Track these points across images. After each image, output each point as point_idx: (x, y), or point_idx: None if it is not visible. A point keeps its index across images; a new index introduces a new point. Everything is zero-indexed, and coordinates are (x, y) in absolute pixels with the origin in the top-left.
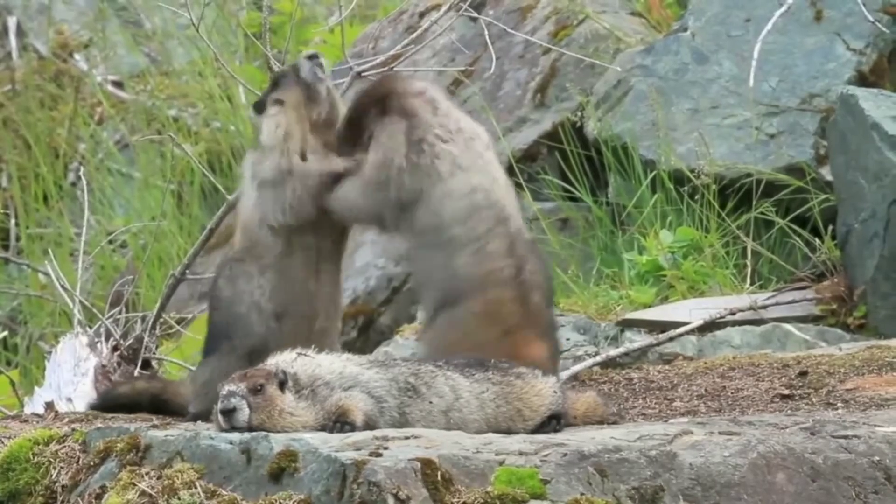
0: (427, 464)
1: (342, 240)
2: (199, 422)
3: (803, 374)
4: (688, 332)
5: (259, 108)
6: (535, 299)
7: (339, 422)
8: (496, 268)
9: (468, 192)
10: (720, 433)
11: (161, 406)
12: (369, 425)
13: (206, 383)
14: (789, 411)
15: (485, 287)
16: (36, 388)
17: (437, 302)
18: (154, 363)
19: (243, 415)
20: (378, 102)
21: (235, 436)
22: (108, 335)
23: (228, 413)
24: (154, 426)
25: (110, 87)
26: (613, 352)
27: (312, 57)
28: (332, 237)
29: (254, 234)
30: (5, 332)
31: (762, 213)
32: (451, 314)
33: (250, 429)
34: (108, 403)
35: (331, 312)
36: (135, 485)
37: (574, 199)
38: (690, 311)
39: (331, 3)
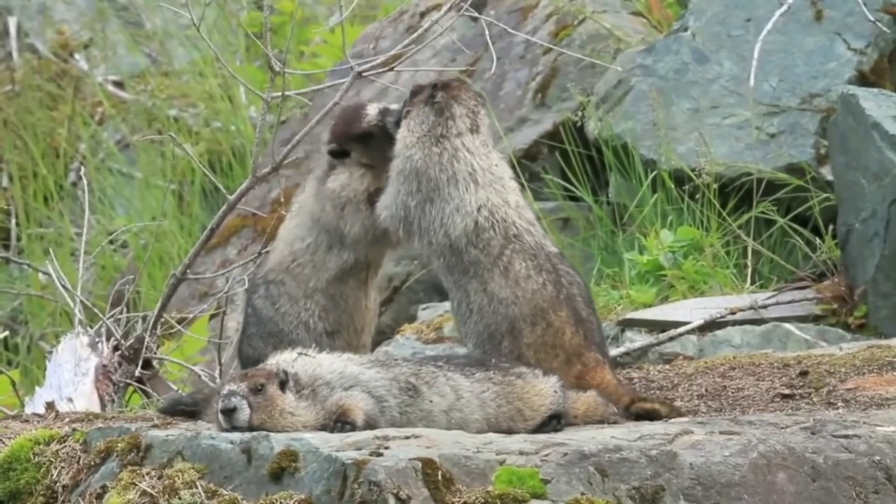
0: (428, 463)
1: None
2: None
3: (804, 373)
4: (688, 332)
5: (339, 154)
6: (584, 313)
7: (339, 421)
8: (535, 287)
9: (475, 209)
10: (721, 433)
11: None
12: (370, 425)
13: None
14: (790, 411)
15: (535, 312)
16: (37, 387)
17: (485, 332)
18: (155, 363)
19: (244, 414)
20: (426, 91)
21: (236, 435)
22: (109, 335)
23: (229, 413)
24: (155, 426)
25: (111, 87)
26: (614, 351)
27: (385, 112)
28: (382, 252)
29: (302, 259)
30: (6, 332)
31: (763, 212)
32: (508, 348)
33: (251, 428)
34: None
35: (373, 326)
36: (135, 485)
37: (575, 199)
38: (691, 310)
39: (331, 2)
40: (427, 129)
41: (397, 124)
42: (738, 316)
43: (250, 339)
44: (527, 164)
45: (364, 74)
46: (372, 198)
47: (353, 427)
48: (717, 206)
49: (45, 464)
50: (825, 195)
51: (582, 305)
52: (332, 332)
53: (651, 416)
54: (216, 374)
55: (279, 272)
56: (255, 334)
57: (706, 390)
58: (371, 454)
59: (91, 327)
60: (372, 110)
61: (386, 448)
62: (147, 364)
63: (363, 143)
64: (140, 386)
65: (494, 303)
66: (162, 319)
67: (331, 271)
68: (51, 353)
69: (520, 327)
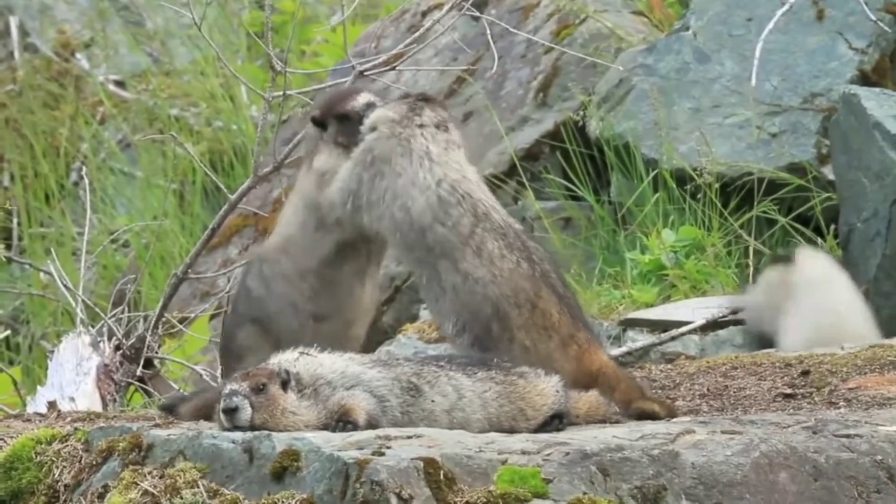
0: (430, 463)
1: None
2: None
3: (805, 373)
4: (690, 332)
5: (319, 124)
6: (561, 289)
7: (341, 421)
8: (511, 266)
9: (433, 183)
10: (722, 432)
11: None
12: (372, 424)
13: None
14: (792, 410)
15: (516, 292)
16: (38, 387)
17: (465, 311)
18: (156, 362)
19: (245, 414)
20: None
21: (238, 435)
22: (111, 334)
23: (230, 412)
24: (157, 425)
25: (112, 87)
26: (616, 351)
27: (371, 105)
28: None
29: (296, 238)
30: (8, 332)
31: (764, 212)
32: (498, 331)
33: (252, 428)
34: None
35: (367, 319)
36: (137, 484)
37: (576, 199)
38: (693, 310)
39: (333, 2)
40: (395, 117)
41: None
42: (740, 315)
43: (237, 312)
44: (528, 164)
45: (366, 73)
46: None
47: (355, 427)
48: (719, 205)
49: (46, 463)
50: (827, 195)
51: (556, 281)
52: (321, 316)
53: (649, 417)
54: (217, 373)
55: (274, 250)
56: (242, 309)
57: (708, 390)
58: (373, 454)
59: (93, 327)
60: (362, 99)
61: (388, 448)
62: (148, 363)
63: (339, 122)
64: (141, 385)
65: (470, 282)
66: (163, 319)
67: (324, 251)
68: (52, 352)
69: (505, 310)
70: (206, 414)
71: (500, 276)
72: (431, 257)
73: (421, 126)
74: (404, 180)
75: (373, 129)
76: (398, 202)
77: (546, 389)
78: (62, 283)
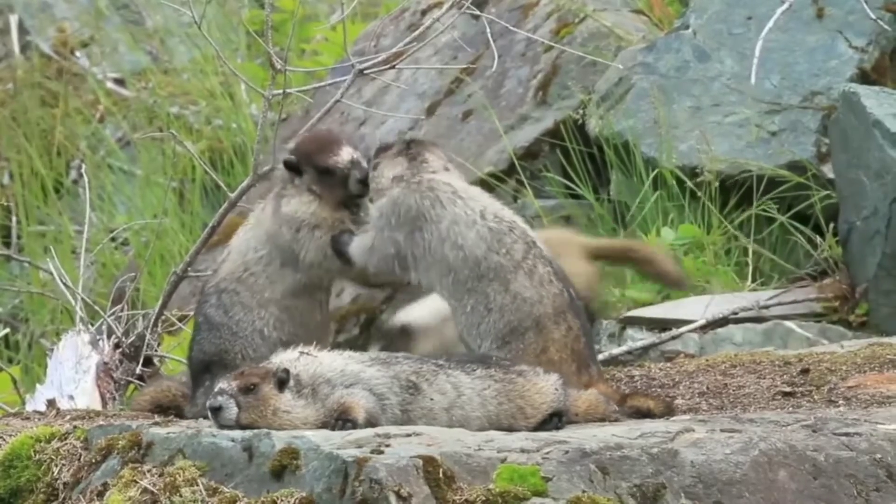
0: (429, 461)
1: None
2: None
3: (805, 371)
4: (690, 330)
5: (293, 168)
6: (588, 326)
7: (340, 419)
8: (556, 292)
9: (478, 217)
10: (722, 430)
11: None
12: (371, 423)
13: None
14: (791, 409)
15: (557, 313)
16: (38, 385)
17: (506, 328)
18: (156, 360)
19: (229, 413)
20: (397, 146)
21: (237, 433)
22: (110, 333)
23: (214, 411)
24: (156, 423)
25: (112, 85)
26: (616, 350)
27: (355, 164)
28: (335, 277)
29: (257, 270)
30: (7, 330)
31: (764, 210)
32: (532, 339)
33: (240, 427)
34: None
35: (329, 335)
36: (136, 482)
37: (576, 197)
38: (692, 308)
39: (333, 0)
40: (401, 171)
41: (360, 183)
42: (740, 314)
43: (200, 344)
44: (527, 162)
45: (365, 72)
46: (335, 242)
47: (355, 425)
48: (719, 203)
49: (46, 461)
50: (826, 193)
51: (585, 319)
52: (288, 342)
53: (645, 414)
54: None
55: (231, 281)
56: (205, 339)
57: (707, 388)
58: (372, 452)
59: (92, 325)
60: (346, 154)
61: (387, 446)
62: (148, 361)
63: (319, 174)
64: (141, 383)
65: (518, 301)
66: (163, 317)
67: (286, 285)
68: (52, 350)
69: (544, 323)
70: (163, 404)
71: (546, 299)
72: (483, 283)
73: (434, 172)
74: (447, 222)
75: (383, 190)
76: (447, 243)
77: (545, 388)
78: (61, 281)
